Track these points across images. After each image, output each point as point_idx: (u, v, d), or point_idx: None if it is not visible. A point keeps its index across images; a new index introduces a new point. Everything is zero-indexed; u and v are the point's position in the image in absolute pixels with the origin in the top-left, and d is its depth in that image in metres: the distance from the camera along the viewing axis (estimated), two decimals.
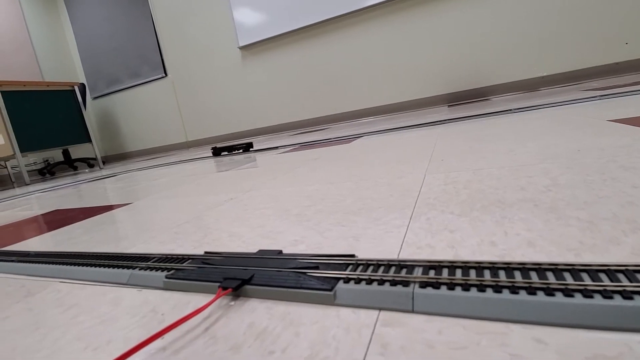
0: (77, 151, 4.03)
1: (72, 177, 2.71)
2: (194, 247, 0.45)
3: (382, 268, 0.27)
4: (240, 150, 1.96)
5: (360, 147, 1.18)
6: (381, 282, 0.25)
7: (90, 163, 3.78)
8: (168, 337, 0.25)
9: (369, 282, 0.25)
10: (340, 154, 1.08)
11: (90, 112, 4.39)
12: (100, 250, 0.52)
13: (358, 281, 0.26)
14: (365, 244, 0.36)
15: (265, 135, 3.36)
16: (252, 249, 0.40)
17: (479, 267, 0.24)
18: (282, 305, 0.27)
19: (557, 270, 0.23)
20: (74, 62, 4.32)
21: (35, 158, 3.76)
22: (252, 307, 0.28)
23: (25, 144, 2.50)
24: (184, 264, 0.36)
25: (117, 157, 4.45)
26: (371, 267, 0.27)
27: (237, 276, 0.30)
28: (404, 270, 0.26)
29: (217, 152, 2.02)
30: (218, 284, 0.30)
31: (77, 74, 4.35)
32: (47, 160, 3.84)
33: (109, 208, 0.90)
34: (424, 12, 2.64)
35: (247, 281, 0.29)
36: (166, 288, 0.34)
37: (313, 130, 2.69)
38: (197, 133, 3.82)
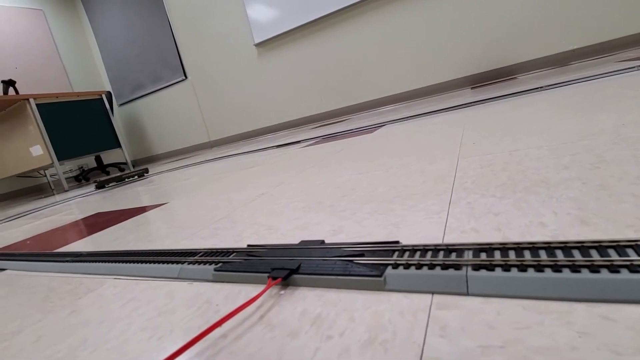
0: (109, 157, 4.22)
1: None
2: (235, 241, 0.47)
3: (429, 253, 0.27)
4: (135, 177, 1.86)
5: (384, 135, 1.16)
6: (431, 266, 0.25)
7: (121, 167, 3.95)
8: (226, 325, 0.27)
9: (419, 266, 0.25)
10: (365, 144, 1.07)
11: (118, 118, 4.57)
12: (146, 248, 0.55)
13: (407, 266, 0.26)
14: (406, 230, 0.36)
15: (286, 130, 3.38)
16: (292, 240, 0.41)
17: (534, 247, 0.24)
18: (332, 293, 0.28)
19: (619, 247, 0.22)
20: (99, 71, 4.50)
21: (71, 166, 3.97)
22: (303, 295, 0.28)
23: (62, 153, 2.64)
24: (229, 257, 0.38)
25: (145, 160, 4.62)
26: (418, 252, 0.28)
27: (284, 266, 0.31)
28: (454, 254, 0.26)
29: (100, 185, 1.84)
30: (267, 274, 0.31)
31: (103, 83, 4.53)
32: (81, 167, 4.04)
33: (146, 209, 0.94)
34: None
35: (295, 271, 0.30)
36: (216, 280, 0.35)
37: (334, 122, 2.68)
38: (219, 132, 3.90)
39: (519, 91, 1.36)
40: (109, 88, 4.48)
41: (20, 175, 3.23)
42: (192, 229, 0.59)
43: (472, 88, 2.52)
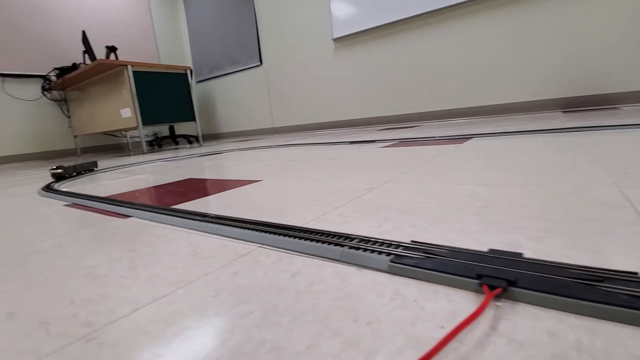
0: (180, 128, 4.51)
1: (175, 151, 3.03)
2: (379, 233, 0.45)
3: None
4: (85, 172, 1.69)
5: (478, 148, 1.09)
6: None
7: (190, 140, 4.20)
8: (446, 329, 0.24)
9: None
10: (462, 154, 1.01)
11: (193, 94, 4.87)
12: (269, 220, 0.55)
13: None
14: (619, 262, 0.31)
15: (350, 128, 3.36)
16: (446, 243, 0.38)
17: None
18: (573, 319, 0.24)
19: None
20: (183, 48, 4.82)
21: (148, 131, 4.30)
22: (532, 313, 0.25)
23: (146, 118, 2.86)
24: (398, 250, 0.35)
25: (210, 136, 4.87)
26: None
27: (491, 274, 0.28)
28: None
29: (61, 176, 1.52)
30: (473, 280, 0.28)
31: (186, 59, 4.84)
32: (156, 134, 4.37)
33: (242, 182, 0.97)
34: (535, 3, 2.35)
35: (513, 283, 0.27)
36: (391, 272, 0.33)
37: (401, 127, 2.60)
38: (283, 120, 3.99)
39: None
40: (190, 65, 4.78)
41: (106, 133, 3.56)
42: (311, 211, 0.58)
43: (563, 112, 2.30)
